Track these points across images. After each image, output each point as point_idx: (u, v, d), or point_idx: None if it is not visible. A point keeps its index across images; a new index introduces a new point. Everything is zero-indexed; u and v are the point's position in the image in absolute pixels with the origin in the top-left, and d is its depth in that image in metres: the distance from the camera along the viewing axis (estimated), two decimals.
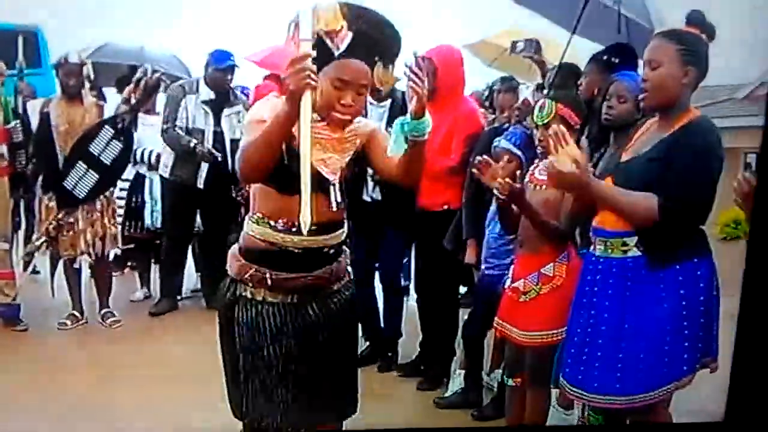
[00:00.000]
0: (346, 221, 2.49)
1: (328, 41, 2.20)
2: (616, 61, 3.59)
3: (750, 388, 1.52)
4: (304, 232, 2.13)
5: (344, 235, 2.47)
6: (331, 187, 2.33)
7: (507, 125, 3.94)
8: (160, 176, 5.57)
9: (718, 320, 2.58)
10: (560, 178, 2.53)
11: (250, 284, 2.37)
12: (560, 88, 3.72)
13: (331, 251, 2.42)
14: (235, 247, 2.44)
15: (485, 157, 3.18)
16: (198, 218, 5.70)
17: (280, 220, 2.31)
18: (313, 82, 2.04)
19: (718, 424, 2.23)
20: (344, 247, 2.52)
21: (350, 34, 2.21)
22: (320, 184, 2.27)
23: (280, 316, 2.35)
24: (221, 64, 5.44)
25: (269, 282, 2.34)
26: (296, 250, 2.33)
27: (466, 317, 3.96)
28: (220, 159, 5.33)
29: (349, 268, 2.56)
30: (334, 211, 2.37)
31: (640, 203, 2.49)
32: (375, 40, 2.27)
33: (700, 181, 2.49)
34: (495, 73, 5.45)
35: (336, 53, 2.21)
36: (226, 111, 5.45)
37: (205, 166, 5.36)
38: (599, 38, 4.35)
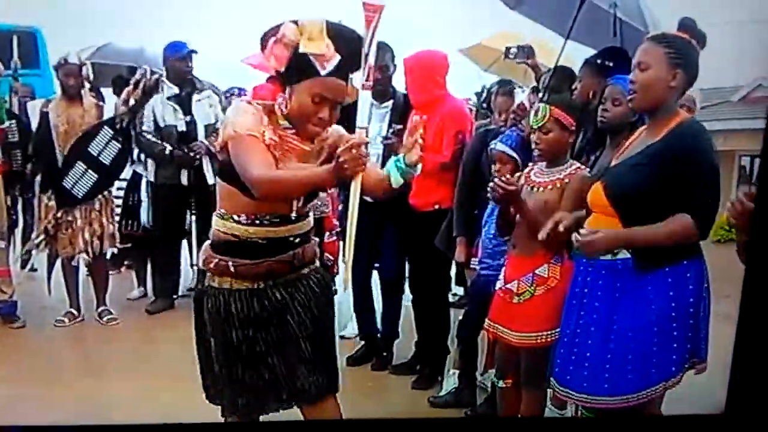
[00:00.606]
0: (311, 213, 2.59)
1: (312, 58, 2.26)
2: (610, 64, 3.60)
3: (750, 380, 1.55)
4: (345, 290, 2.24)
5: (309, 225, 2.55)
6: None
7: (502, 128, 3.96)
8: (147, 180, 5.59)
9: (707, 322, 2.61)
10: (594, 248, 2.59)
11: (216, 274, 2.44)
12: (555, 92, 3.73)
13: (296, 239, 2.48)
14: (206, 244, 2.52)
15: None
16: (190, 217, 5.71)
17: (243, 215, 2.38)
18: (365, 168, 2.17)
19: (718, 416, 2.24)
20: (311, 235, 2.59)
21: (337, 57, 2.28)
22: None
23: (246, 301, 2.41)
24: (179, 53, 5.42)
25: (232, 269, 2.40)
26: (260, 241, 2.40)
27: (461, 317, 3.98)
28: (199, 159, 5.37)
29: (327, 256, 2.66)
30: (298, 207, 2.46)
31: (677, 231, 2.51)
32: (354, 60, 2.31)
33: (715, 185, 2.54)
34: (490, 77, 5.46)
35: (322, 72, 2.27)
36: (195, 97, 5.44)
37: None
38: (593, 42, 4.36)
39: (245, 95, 6.01)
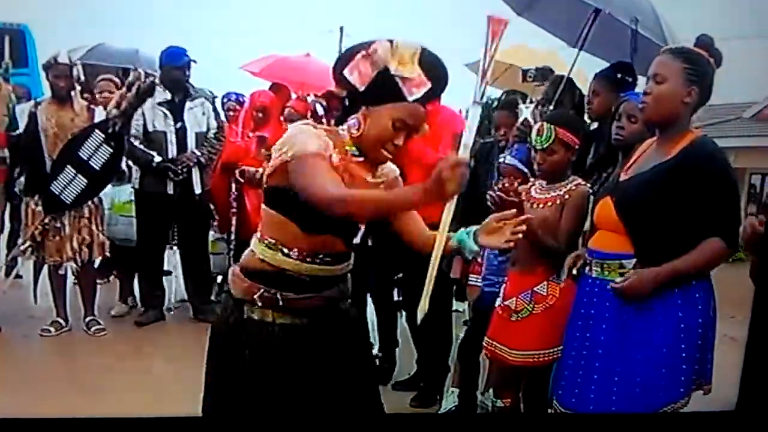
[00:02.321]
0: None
1: (399, 82, 2.13)
2: (629, 79, 3.58)
3: (763, 377, 1.51)
4: (419, 321, 2.15)
5: (352, 260, 2.42)
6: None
7: (501, 142, 3.95)
8: (132, 188, 5.48)
9: (713, 343, 2.57)
10: (634, 292, 2.51)
11: (259, 305, 2.27)
12: (559, 104, 3.74)
13: (342, 274, 2.37)
14: (236, 267, 2.36)
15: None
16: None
17: (295, 249, 2.23)
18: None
19: (729, 413, 2.19)
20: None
21: (428, 85, 2.16)
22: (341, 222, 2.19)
23: (292, 337, 2.27)
24: (178, 62, 5.36)
25: (280, 302, 2.25)
26: (307, 278, 2.26)
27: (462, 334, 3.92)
28: (186, 172, 5.28)
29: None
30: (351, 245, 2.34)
31: (713, 256, 2.47)
32: (438, 90, 2.24)
33: (736, 201, 2.52)
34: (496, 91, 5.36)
35: (409, 98, 2.15)
36: (188, 105, 5.37)
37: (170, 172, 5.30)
38: (604, 53, 4.31)
39: (244, 100, 5.95)
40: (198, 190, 5.35)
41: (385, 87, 2.14)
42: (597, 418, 2.61)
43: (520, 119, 3.81)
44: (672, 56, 2.54)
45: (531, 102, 3.96)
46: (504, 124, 4.05)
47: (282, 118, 5.14)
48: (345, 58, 2.19)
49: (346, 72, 2.17)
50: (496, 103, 4.44)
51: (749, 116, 12.56)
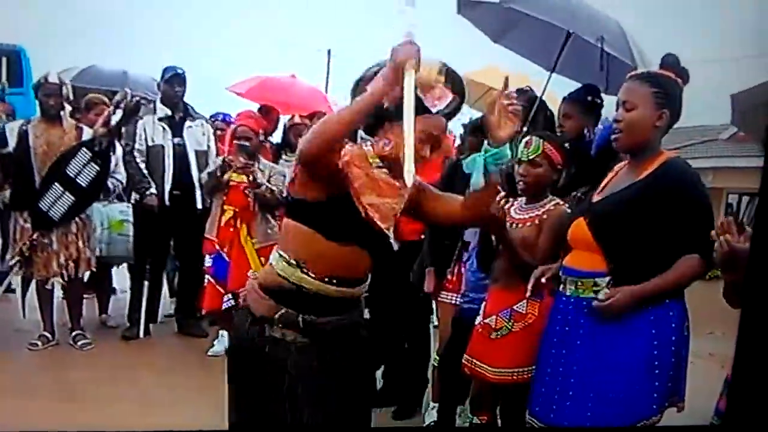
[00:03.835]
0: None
1: (422, 94, 2.18)
2: (599, 101, 3.66)
3: (750, 391, 1.53)
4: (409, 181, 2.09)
5: (368, 283, 2.42)
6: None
7: None
8: (133, 203, 5.59)
9: (686, 361, 2.59)
10: (614, 310, 2.52)
11: (280, 325, 2.27)
12: (534, 125, 3.77)
13: (358, 297, 2.40)
14: (254, 284, 2.35)
15: None
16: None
17: (314, 270, 2.23)
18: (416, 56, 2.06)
19: (718, 427, 2.23)
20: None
21: (450, 97, 2.25)
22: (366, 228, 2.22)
23: (308, 358, 2.27)
24: (165, 76, 5.56)
25: (301, 324, 2.26)
26: (325, 298, 2.26)
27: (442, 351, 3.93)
28: (161, 206, 5.42)
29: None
30: (368, 264, 2.34)
31: (688, 273, 2.50)
32: (459, 104, 2.30)
33: (710, 217, 2.51)
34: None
35: (433, 110, 2.23)
36: (188, 123, 5.56)
37: (168, 185, 5.45)
38: (572, 74, 4.39)
39: (231, 120, 6.06)
40: (200, 206, 5.46)
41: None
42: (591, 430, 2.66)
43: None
44: (640, 82, 2.57)
45: None
46: (474, 149, 4.08)
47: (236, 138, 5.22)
48: (368, 78, 2.20)
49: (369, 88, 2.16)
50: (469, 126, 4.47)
51: (726, 138, 12.65)
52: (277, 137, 6.30)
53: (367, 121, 2.24)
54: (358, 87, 2.24)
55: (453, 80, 2.24)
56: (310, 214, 2.21)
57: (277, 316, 2.26)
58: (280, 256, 2.27)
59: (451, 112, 2.29)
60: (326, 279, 2.23)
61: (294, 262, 2.24)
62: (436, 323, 5.22)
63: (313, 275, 2.23)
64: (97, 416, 3.94)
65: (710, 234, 2.33)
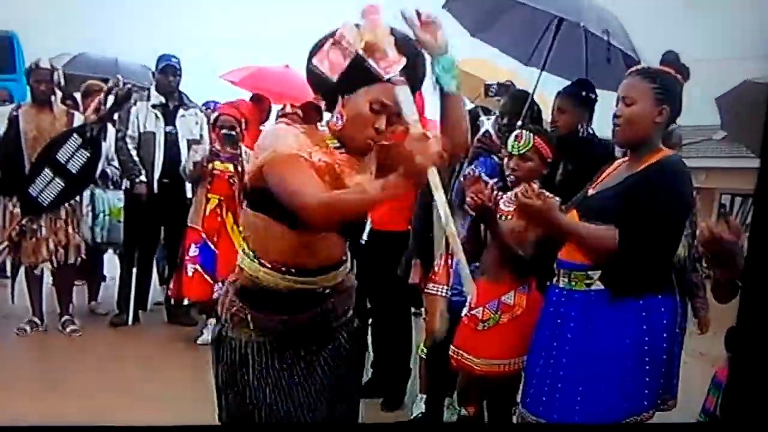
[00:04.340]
0: (348, 258, 2.28)
1: (371, 62, 2.00)
2: (593, 96, 3.66)
3: (746, 388, 1.54)
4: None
5: (345, 272, 2.25)
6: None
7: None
8: (124, 189, 5.59)
9: (679, 359, 2.60)
10: (524, 209, 2.57)
11: (231, 322, 2.17)
12: (513, 115, 3.74)
13: (325, 291, 2.19)
14: (227, 283, 2.25)
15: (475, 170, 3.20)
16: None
17: (271, 260, 2.11)
18: (439, 160, 1.86)
19: (714, 424, 2.24)
20: (347, 283, 2.29)
21: (403, 61, 2.01)
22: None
23: (264, 356, 2.15)
24: (158, 66, 5.57)
25: (249, 323, 2.14)
26: (284, 291, 2.13)
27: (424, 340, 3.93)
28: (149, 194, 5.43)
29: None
30: (342, 248, 2.21)
31: (600, 235, 2.50)
32: (416, 72, 2.09)
33: (662, 219, 2.48)
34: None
35: (384, 77, 2.01)
36: (181, 112, 5.57)
37: (158, 173, 5.46)
38: (557, 70, 4.37)
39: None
40: (189, 195, 5.44)
41: (357, 71, 2.00)
42: (581, 429, 2.66)
43: (481, 131, 3.86)
44: (640, 77, 2.57)
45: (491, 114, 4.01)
46: None
47: (218, 127, 5.21)
48: (313, 53, 2.07)
49: (315, 62, 2.05)
50: None
51: (719, 138, 12.67)
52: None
53: (324, 98, 2.13)
54: (308, 62, 2.09)
55: (403, 43, 2.04)
56: (267, 203, 2.06)
57: (229, 313, 2.18)
58: (242, 250, 2.18)
59: (411, 77, 2.06)
60: (283, 269, 2.10)
61: (253, 253, 2.13)
62: (424, 315, 5.25)
63: (269, 266, 2.10)
64: (84, 404, 3.92)
65: (676, 235, 2.38)
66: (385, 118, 2.07)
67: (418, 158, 1.83)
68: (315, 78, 2.08)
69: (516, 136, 3.10)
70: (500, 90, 4.41)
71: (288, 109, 5.63)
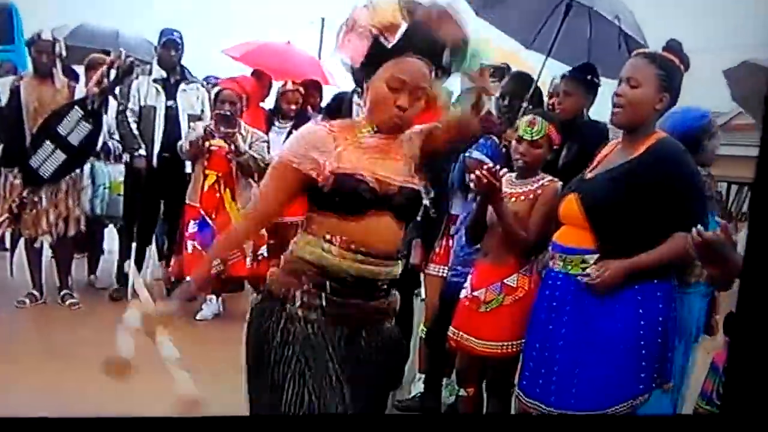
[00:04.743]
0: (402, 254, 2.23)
1: (381, 38, 1.97)
2: (597, 81, 3.66)
3: (746, 380, 1.54)
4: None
5: (400, 268, 2.18)
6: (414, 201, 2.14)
7: None
8: (124, 163, 5.58)
9: (674, 343, 2.62)
10: (606, 284, 2.53)
11: (299, 304, 2.08)
12: (515, 97, 3.76)
13: (384, 285, 2.14)
14: (274, 268, 2.20)
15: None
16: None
17: (336, 239, 2.05)
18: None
19: (714, 416, 2.25)
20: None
21: (404, 25, 1.96)
22: (386, 200, 2.06)
23: (327, 344, 2.09)
24: (160, 40, 5.57)
25: (324, 303, 2.07)
26: (348, 277, 2.06)
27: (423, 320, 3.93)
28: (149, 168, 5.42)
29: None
30: (399, 235, 2.15)
31: (672, 250, 2.49)
32: (433, 38, 2.02)
33: (702, 196, 2.57)
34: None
35: (388, 45, 1.96)
36: (182, 86, 5.56)
37: (158, 147, 5.45)
38: (563, 57, 4.35)
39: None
40: (189, 170, 5.43)
41: (374, 51, 1.97)
42: (580, 419, 2.66)
43: (483, 111, 3.85)
44: (647, 61, 2.58)
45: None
46: None
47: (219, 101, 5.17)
48: (335, 46, 2.06)
49: (341, 56, 2.03)
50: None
51: (720, 124, 12.67)
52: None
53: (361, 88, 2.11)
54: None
55: (409, 11, 1.98)
56: (316, 198, 2.06)
57: (297, 293, 2.08)
58: (300, 236, 2.13)
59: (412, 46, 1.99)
60: (349, 253, 2.04)
61: (314, 237, 2.08)
62: (423, 296, 5.26)
63: (335, 251, 2.04)
64: (84, 377, 3.90)
65: (703, 213, 2.37)
66: (406, 95, 2.01)
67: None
68: (347, 70, 2.07)
69: (530, 122, 3.08)
70: (495, 72, 4.37)
71: (289, 86, 5.62)
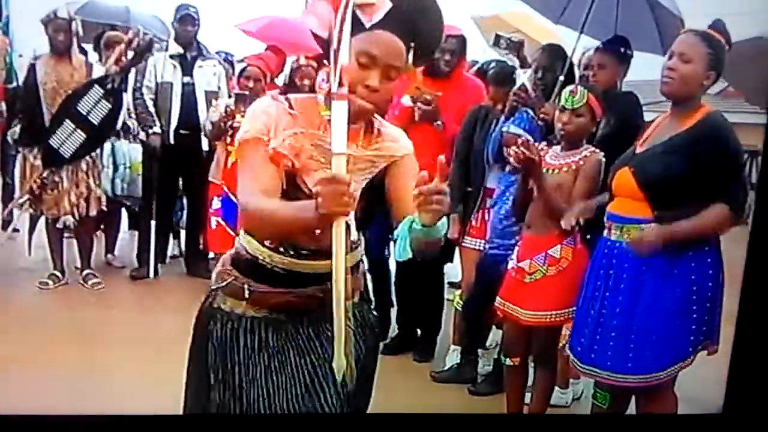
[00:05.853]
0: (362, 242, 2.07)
1: (359, 12, 1.75)
2: (630, 53, 3.68)
3: (749, 380, 1.56)
4: (338, 378, 1.81)
5: (356, 258, 2.00)
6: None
7: (498, 107, 3.93)
8: (141, 141, 5.52)
9: (721, 307, 2.69)
10: (645, 248, 2.64)
11: (229, 295, 1.98)
12: (548, 71, 3.79)
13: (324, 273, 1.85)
14: (226, 255, 2.07)
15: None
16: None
17: (269, 239, 1.91)
18: (349, 208, 1.63)
19: (716, 416, 2.29)
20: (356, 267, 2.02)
21: (388, 5, 1.76)
22: None
23: (259, 332, 1.96)
24: (177, 16, 5.52)
25: (246, 294, 1.95)
26: (282, 271, 1.92)
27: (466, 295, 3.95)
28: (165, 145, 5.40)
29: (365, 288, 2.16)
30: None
31: (717, 220, 2.63)
32: (413, 19, 1.81)
33: (742, 170, 2.70)
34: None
35: (367, 24, 1.76)
36: (199, 63, 5.50)
37: (174, 123, 5.41)
38: (589, 31, 4.32)
39: (232, 60, 5.97)
40: (206, 147, 5.40)
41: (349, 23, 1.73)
42: (580, 419, 2.70)
43: (518, 84, 3.85)
44: (699, 38, 2.66)
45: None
46: (497, 99, 3.97)
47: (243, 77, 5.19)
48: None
49: (305, 19, 1.80)
50: (493, 68, 4.40)
51: (714, 93, 12.69)
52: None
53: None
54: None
55: None
56: None
57: (224, 283, 1.98)
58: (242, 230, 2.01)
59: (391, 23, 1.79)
60: (281, 249, 1.90)
61: (247, 232, 1.96)
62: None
63: (268, 245, 1.91)
64: (112, 356, 3.97)
65: (743, 185, 2.55)
66: (377, 73, 1.78)
67: (324, 203, 1.59)
68: (316, 38, 1.82)
69: (571, 91, 3.12)
70: (510, 45, 4.35)
71: (302, 61, 5.58)
